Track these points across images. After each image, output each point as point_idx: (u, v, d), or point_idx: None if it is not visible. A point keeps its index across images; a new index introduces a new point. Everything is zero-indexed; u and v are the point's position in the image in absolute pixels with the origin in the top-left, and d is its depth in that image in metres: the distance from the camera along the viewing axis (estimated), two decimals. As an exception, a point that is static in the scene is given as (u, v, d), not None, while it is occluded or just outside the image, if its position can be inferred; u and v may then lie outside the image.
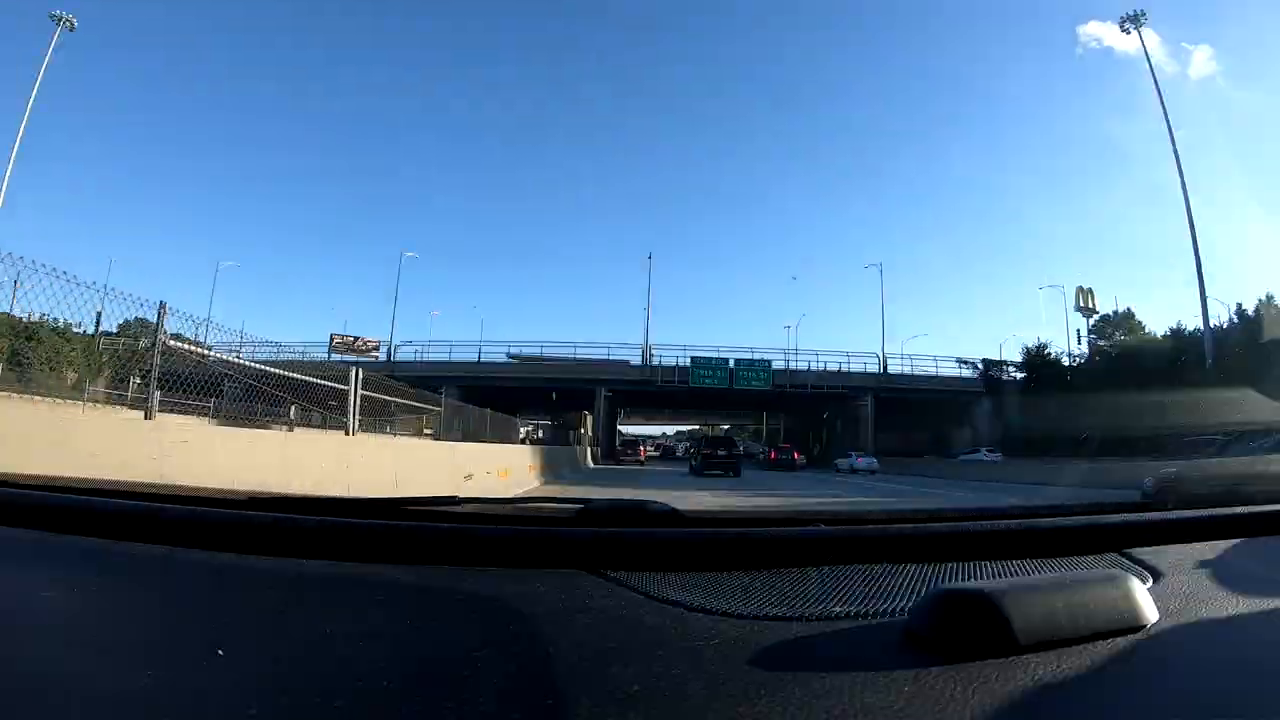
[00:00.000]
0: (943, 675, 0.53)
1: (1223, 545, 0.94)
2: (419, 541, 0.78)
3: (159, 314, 5.56)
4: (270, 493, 1.01)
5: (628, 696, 0.50)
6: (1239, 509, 1.08)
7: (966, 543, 0.86)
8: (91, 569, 0.74)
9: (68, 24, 34.13)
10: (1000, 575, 0.79)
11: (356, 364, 10.23)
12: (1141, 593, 0.67)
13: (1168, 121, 26.40)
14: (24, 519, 0.85)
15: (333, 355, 36.41)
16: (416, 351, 42.07)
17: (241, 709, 0.48)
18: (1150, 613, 0.65)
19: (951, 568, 0.80)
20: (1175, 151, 26.42)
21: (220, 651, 0.55)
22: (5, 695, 0.49)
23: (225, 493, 1.02)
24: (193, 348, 6.91)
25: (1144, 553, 0.87)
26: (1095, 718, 0.53)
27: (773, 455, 32.12)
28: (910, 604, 0.65)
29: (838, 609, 0.66)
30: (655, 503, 0.97)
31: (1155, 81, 25.65)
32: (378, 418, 11.63)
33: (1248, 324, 27.32)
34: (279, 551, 0.76)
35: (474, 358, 40.43)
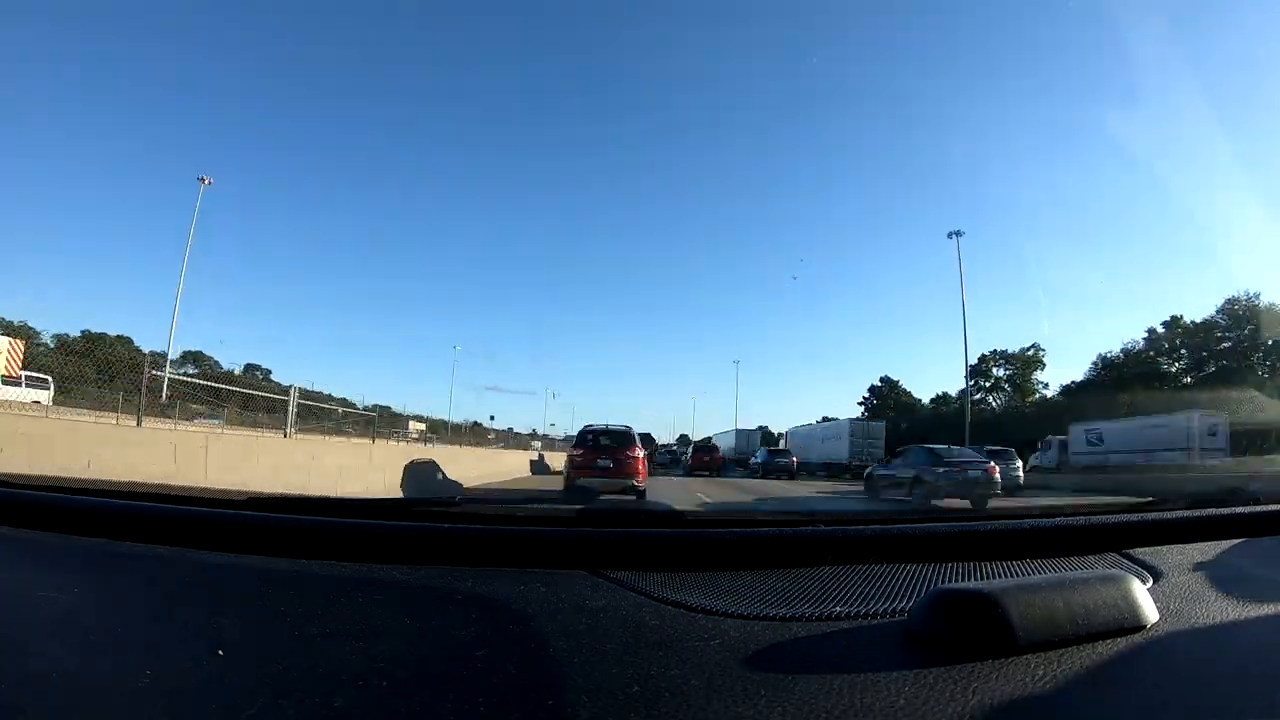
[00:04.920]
0: (943, 675, 0.53)
1: (1223, 545, 0.94)
2: (419, 542, 0.78)
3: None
4: (270, 493, 1.01)
5: (628, 696, 0.50)
6: (1239, 509, 1.08)
7: (966, 543, 0.86)
8: (91, 569, 0.74)
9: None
10: (1000, 575, 0.79)
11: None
12: (1141, 593, 0.66)
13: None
14: (24, 519, 0.85)
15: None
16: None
17: (241, 709, 0.48)
18: (1150, 613, 0.65)
19: (951, 568, 0.80)
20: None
21: (220, 652, 0.55)
22: (6, 695, 0.49)
23: (225, 493, 1.02)
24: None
25: (1144, 553, 0.87)
26: (1095, 718, 0.53)
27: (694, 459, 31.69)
28: (910, 604, 0.65)
29: (838, 609, 0.66)
30: (655, 503, 0.97)
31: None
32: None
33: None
34: (279, 551, 0.76)
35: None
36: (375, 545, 0.77)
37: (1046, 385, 48.09)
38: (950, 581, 0.74)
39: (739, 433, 49.30)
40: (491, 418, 74.13)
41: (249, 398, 20.65)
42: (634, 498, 9.83)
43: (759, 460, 29.59)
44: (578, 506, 0.95)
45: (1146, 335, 40.11)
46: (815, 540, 0.83)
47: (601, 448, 11.06)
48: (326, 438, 15.80)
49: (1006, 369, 49.65)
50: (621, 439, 11.26)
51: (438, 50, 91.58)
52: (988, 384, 49.16)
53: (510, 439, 36.11)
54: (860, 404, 56.66)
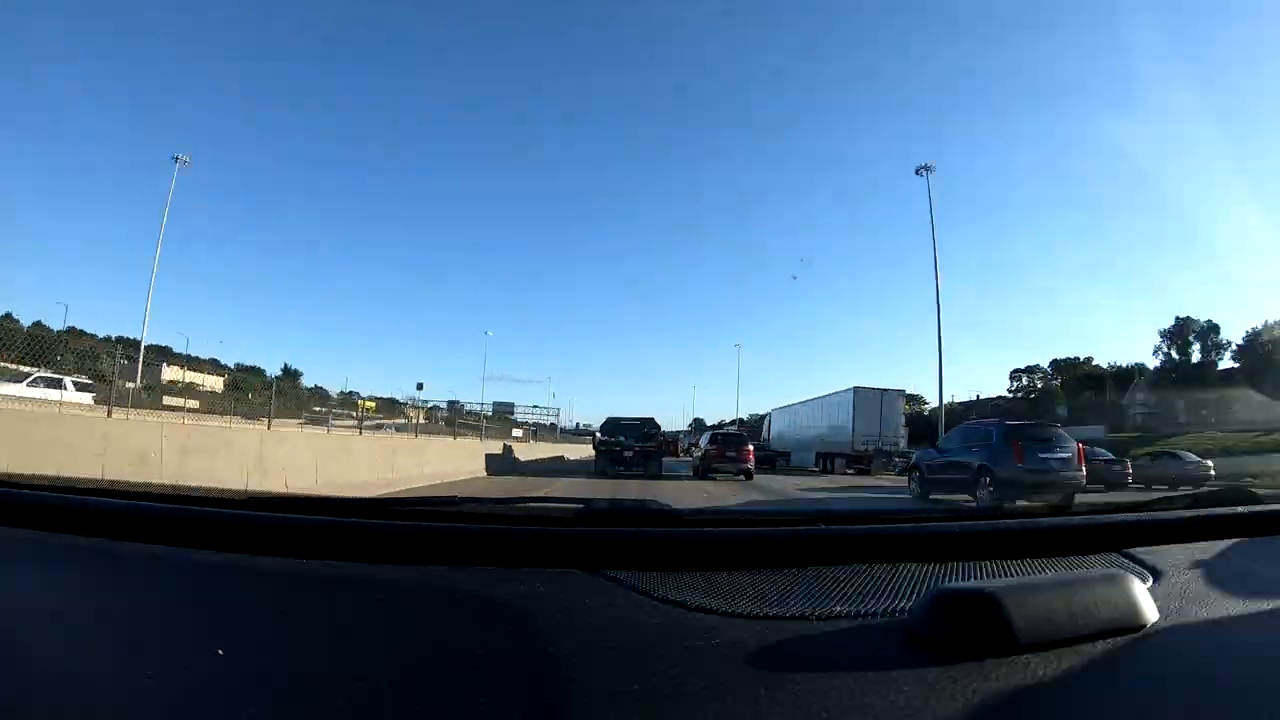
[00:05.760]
0: (943, 675, 0.53)
1: (1223, 545, 0.94)
2: (418, 541, 0.78)
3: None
4: (271, 493, 1.01)
5: (628, 696, 0.50)
6: (1239, 509, 1.07)
7: (966, 543, 0.86)
8: (91, 569, 0.74)
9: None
10: (1000, 575, 0.79)
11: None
12: (1141, 593, 0.66)
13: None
14: (24, 519, 0.85)
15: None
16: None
17: (241, 709, 0.48)
18: (1150, 613, 0.65)
19: (951, 568, 0.80)
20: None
21: (220, 651, 0.55)
22: (6, 695, 0.49)
23: (225, 493, 1.02)
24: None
25: (1144, 553, 0.87)
26: (1095, 718, 0.53)
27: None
28: (910, 604, 0.65)
29: (838, 609, 0.66)
30: (655, 502, 0.97)
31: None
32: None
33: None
34: (279, 551, 0.76)
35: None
36: (376, 545, 0.77)
37: None
38: (950, 581, 0.74)
39: (831, 401, 24.61)
40: (419, 386, 68.07)
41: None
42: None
43: (924, 459, 13.45)
44: (577, 506, 0.95)
45: None
46: (815, 540, 0.83)
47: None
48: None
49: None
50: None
51: (460, 53, 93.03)
52: None
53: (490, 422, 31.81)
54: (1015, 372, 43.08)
